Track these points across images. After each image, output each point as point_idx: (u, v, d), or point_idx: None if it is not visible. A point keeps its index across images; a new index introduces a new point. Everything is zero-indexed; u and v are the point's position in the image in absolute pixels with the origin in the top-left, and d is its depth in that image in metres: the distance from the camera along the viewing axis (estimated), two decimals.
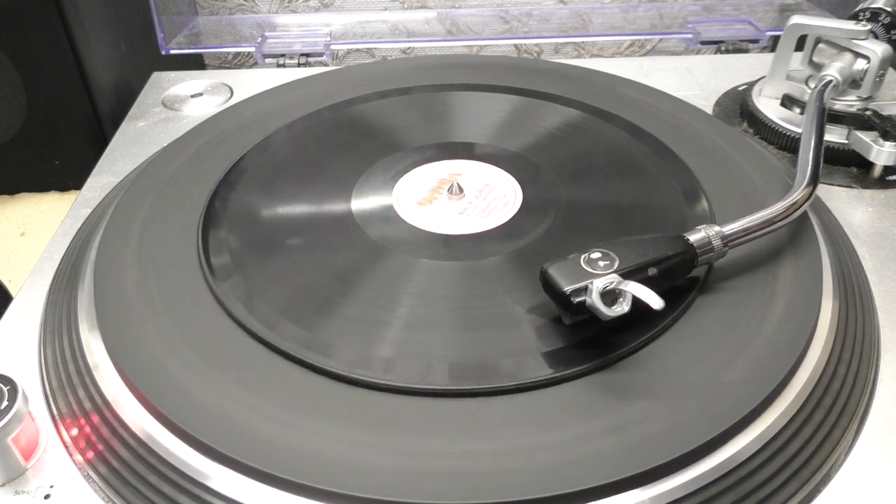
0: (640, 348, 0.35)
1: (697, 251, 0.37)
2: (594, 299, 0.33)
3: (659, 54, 0.93)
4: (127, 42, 0.72)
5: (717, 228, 0.38)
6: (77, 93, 0.64)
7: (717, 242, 0.37)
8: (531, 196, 0.46)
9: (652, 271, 0.35)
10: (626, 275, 0.34)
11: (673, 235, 0.37)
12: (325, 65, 0.70)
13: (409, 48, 0.92)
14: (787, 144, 0.54)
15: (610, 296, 0.33)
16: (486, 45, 0.92)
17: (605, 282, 0.33)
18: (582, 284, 0.33)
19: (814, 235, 0.42)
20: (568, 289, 0.33)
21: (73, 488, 0.32)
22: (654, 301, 0.32)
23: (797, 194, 0.41)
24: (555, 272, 0.34)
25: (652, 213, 0.44)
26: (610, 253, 0.35)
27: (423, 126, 0.54)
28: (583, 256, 0.35)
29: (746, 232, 0.38)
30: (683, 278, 0.38)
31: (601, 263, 0.34)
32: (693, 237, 0.37)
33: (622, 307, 0.33)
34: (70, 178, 0.67)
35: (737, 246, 0.38)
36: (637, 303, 0.32)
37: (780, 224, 0.39)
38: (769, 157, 0.52)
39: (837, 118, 0.52)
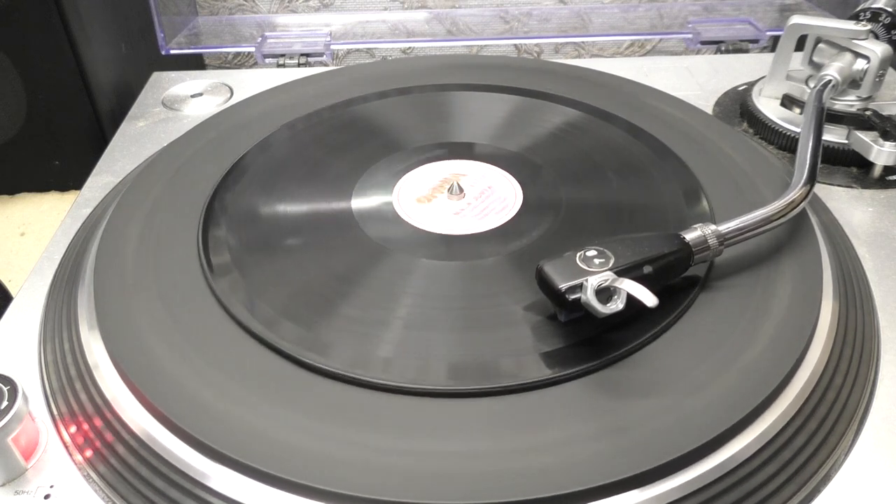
0: (640, 348, 0.35)
1: (693, 249, 0.37)
2: (589, 296, 0.33)
3: (659, 54, 0.93)
4: (127, 42, 0.72)
5: (713, 227, 0.38)
6: (77, 93, 0.64)
7: (713, 241, 0.37)
8: (531, 196, 0.46)
9: (647, 269, 0.35)
10: (622, 272, 0.34)
11: (669, 234, 0.37)
12: (325, 65, 0.70)
13: (409, 48, 0.92)
14: (787, 144, 0.54)
15: (605, 293, 0.33)
16: (486, 45, 0.92)
17: (599, 279, 0.33)
18: (577, 282, 0.33)
19: (814, 235, 0.42)
20: (563, 286, 0.33)
21: (73, 488, 0.32)
22: (649, 299, 0.32)
23: (794, 193, 0.41)
24: (550, 269, 0.34)
25: (652, 213, 0.44)
26: (605, 251, 0.35)
27: (423, 126, 0.54)
28: (578, 254, 0.35)
29: (743, 231, 0.38)
30: (679, 277, 0.38)
31: (596, 261, 0.34)
32: (689, 235, 0.37)
33: (617, 305, 0.33)
34: (70, 178, 0.68)
35: (733, 244, 0.38)
36: (632, 301, 0.33)
37: (776, 223, 0.39)
38: (769, 156, 0.52)
39: (837, 118, 0.52)
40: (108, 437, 0.33)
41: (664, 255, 0.36)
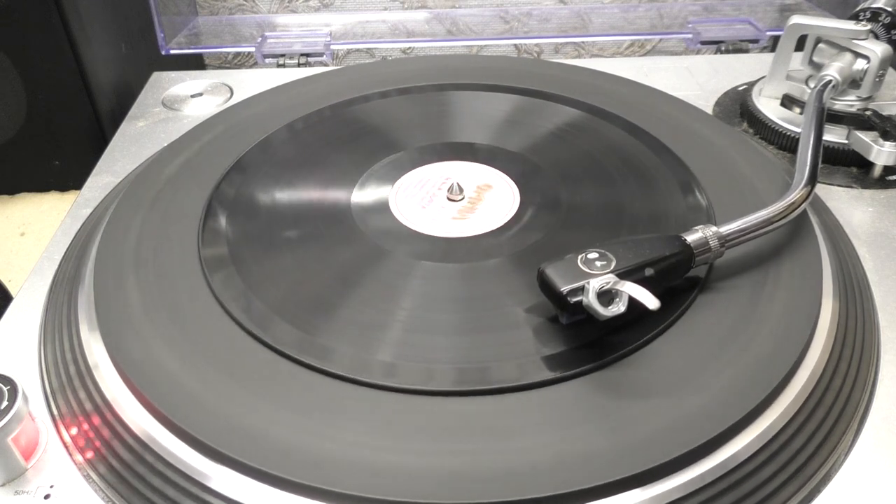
0: (640, 348, 0.35)
1: (694, 251, 0.37)
2: (590, 299, 0.33)
3: (659, 54, 0.93)
4: (127, 42, 0.72)
5: (714, 229, 0.38)
6: (77, 93, 0.64)
7: (714, 243, 0.37)
8: (531, 197, 0.46)
9: (648, 271, 0.35)
10: (623, 275, 0.34)
11: (670, 236, 0.37)
12: (325, 65, 0.70)
13: (409, 48, 0.92)
14: (787, 144, 0.54)
15: (606, 296, 0.33)
16: (486, 45, 0.92)
17: (601, 282, 0.33)
18: (578, 284, 0.33)
19: (814, 235, 0.42)
20: (565, 289, 0.33)
21: (73, 488, 0.32)
22: (650, 301, 0.32)
23: (795, 194, 0.41)
24: (552, 272, 0.34)
25: (652, 213, 0.44)
26: (607, 253, 0.35)
27: (422, 126, 0.54)
28: (580, 256, 0.35)
29: (744, 232, 0.38)
30: (681, 278, 0.38)
31: (598, 263, 0.34)
32: (690, 237, 0.37)
33: (618, 307, 0.33)
34: (70, 178, 0.68)
35: (734, 246, 0.38)
36: (634, 303, 0.33)
37: (777, 224, 0.39)
38: (769, 157, 0.52)
39: (837, 118, 0.52)
40: (108, 437, 0.33)
41: (665, 258, 0.36)
